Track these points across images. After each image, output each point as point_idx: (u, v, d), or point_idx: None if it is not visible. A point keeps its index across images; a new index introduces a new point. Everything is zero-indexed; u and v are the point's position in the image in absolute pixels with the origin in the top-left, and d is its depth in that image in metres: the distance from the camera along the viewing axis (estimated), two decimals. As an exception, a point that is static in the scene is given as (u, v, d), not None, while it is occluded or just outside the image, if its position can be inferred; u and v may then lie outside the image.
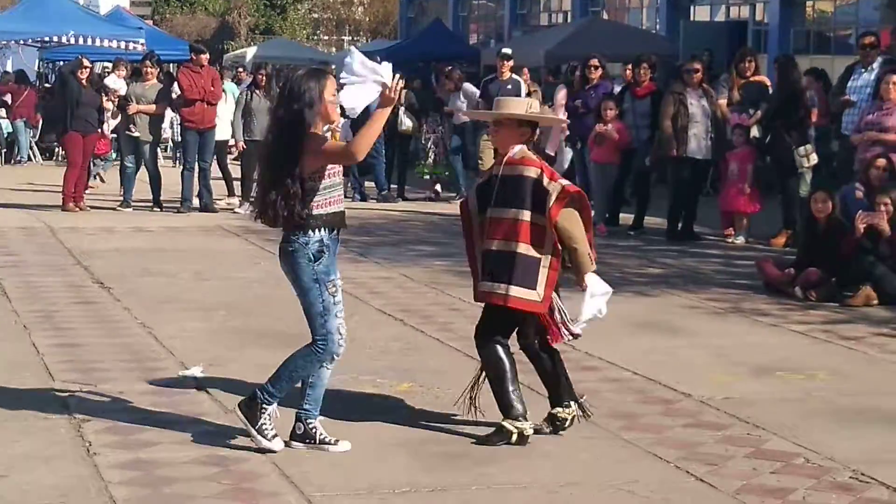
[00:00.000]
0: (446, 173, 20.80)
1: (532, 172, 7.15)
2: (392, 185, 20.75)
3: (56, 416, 7.72)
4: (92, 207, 18.42)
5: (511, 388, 7.26)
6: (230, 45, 57.06)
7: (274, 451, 6.98)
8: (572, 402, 7.46)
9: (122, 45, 28.11)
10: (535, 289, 7.14)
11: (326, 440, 7.11)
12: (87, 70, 19.04)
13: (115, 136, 21.26)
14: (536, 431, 7.32)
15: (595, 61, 18.03)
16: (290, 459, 6.95)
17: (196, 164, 18.44)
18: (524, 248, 7.12)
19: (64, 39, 27.99)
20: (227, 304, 11.40)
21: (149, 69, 19.18)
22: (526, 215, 7.12)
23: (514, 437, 7.20)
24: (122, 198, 18.71)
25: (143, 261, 13.81)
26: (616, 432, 7.63)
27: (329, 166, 6.89)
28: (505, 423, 7.22)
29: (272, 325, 10.53)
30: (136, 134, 18.49)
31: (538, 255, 7.15)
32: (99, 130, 19.38)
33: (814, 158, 15.44)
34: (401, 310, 11.24)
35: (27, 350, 9.53)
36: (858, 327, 10.91)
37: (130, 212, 18.29)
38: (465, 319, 10.13)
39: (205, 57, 18.90)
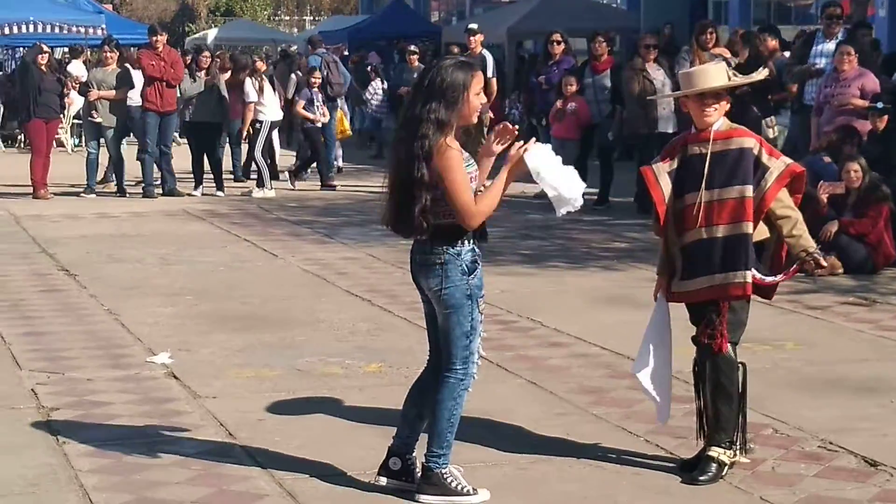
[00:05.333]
0: None
1: (750, 143, 6.39)
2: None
3: (24, 406, 7.70)
4: (55, 195, 18.30)
5: (738, 412, 6.55)
6: (191, 28, 56.81)
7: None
8: (735, 443, 6.54)
9: (83, 30, 27.89)
10: (751, 270, 6.39)
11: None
12: (46, 56, 18.93)
13: (78, 121, 21.08)
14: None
15: (557, 36, 18.04)
16: (257, 442, 6.94)
17: (157, 147, 18.33)
18: (750, 228, 6.31)
19: (24, 27, 27.72)
20: (193, 288, 11.37)
21: (108, 54, 19.10)
22: (749, 191, 6.30)
23: (726, 469, 6.43)
24: (85, 184, 18.61)
25: (108, 247, 13.75)
26: (585, 407, 7.66)
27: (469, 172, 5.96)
28: (715, 452, 6.45)
29: (240, 308, 10.52)
30: (99, 120, 18.39)
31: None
32: (60, 116, 19.23)
33: (776, 131, 15.45)
34: (368, 290, 11.23)
35: (-7, 339, 9.50)
36: (824, 297, 10.96)
37: (94, 198, 18.19)
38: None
39: (162, 38, 18.67)
